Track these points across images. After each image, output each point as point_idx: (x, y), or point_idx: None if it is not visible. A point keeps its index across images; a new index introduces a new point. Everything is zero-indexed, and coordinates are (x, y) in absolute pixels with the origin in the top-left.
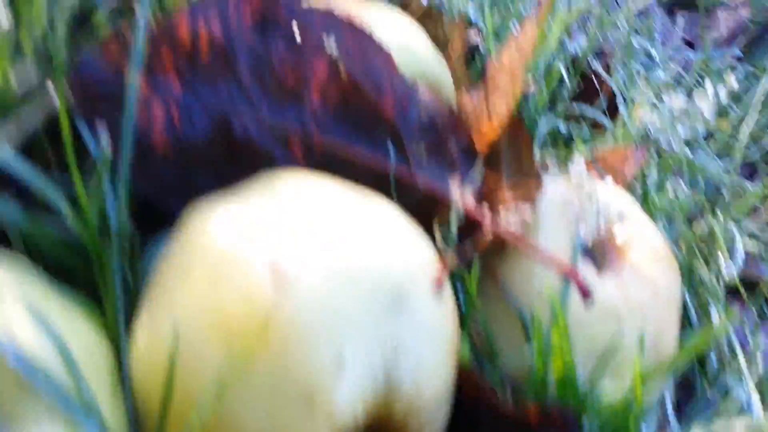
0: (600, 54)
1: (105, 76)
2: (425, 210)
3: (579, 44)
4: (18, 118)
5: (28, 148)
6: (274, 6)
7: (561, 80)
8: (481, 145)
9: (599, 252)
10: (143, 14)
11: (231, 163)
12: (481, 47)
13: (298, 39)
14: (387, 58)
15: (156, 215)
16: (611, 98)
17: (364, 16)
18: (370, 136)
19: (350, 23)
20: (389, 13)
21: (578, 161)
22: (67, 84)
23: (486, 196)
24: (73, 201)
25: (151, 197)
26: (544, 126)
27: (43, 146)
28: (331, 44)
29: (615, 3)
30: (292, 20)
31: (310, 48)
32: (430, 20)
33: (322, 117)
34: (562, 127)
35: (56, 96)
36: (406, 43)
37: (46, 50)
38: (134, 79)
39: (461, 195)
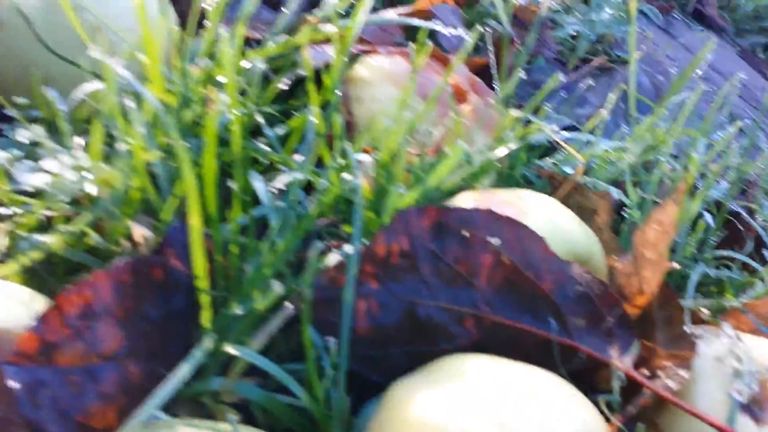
0: (744, 192)
1: (330, 291)
2: (587, 376)
3: (722, 190)
4: (267, 327)
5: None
6: (446, 215)
7: (707, 227)
8: (634, 312)
9: (756, 404)
10: (355, 249)
11: (418, 339)
12: (626, 215)
13: (467, 236)
14: (541, 243)
15: (362, 383)
16: (758, 239)
17: (520, 204)
18: (533, 310)
19: (508, 218)
20: (540, 199)
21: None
22: (302, 298)
23: (643, 360)
24: (302, 379)
25: (359, 370)
26: (695, 275)
27: (278, 340)
28: (493, 238)
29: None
30: (461, 223)
31: (476, 243)
32: (578, 193)
33: (490, 297)
34: (711, 273)
35: (297, 307)
36: (557, 225)
37: (285, 276)
38: (350, 294)
39: (621, 360)
